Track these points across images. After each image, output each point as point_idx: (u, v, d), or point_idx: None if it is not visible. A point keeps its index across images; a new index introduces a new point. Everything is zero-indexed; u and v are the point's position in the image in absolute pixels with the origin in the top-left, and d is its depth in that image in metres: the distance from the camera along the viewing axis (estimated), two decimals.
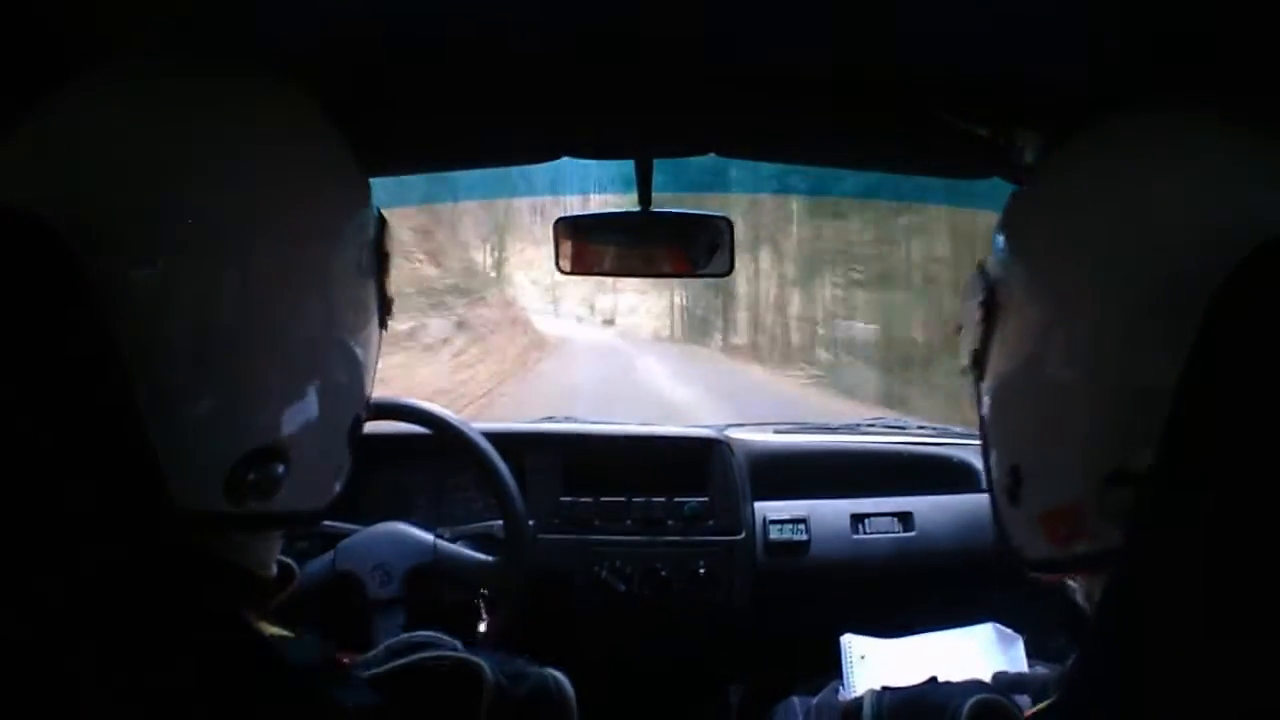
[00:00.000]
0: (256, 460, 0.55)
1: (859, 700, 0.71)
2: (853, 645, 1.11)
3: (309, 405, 0.58)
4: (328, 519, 1.19)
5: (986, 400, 0.63)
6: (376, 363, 0.67)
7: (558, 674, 0.80)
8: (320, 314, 0.58)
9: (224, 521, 0.56)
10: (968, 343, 0.64)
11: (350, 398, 0.63)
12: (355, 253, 0.61)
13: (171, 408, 0.52)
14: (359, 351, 0.63)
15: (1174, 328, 0.47)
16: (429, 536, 1.24)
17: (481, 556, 1.25)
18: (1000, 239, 0.63)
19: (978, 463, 1.59)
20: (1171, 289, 0.49)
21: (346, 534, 1.24)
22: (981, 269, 0.64)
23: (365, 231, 0.63)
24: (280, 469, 0.56)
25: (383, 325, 0.67)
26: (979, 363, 0.63)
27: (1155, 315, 0.50)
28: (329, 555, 1.21)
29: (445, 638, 0.69)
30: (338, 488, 0.64)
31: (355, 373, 0.63)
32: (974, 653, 1.07)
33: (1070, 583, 0.64)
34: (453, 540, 1.30)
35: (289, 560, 0.67)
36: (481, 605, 1.26)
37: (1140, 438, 0.48)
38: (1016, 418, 0.60)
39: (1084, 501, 0.53)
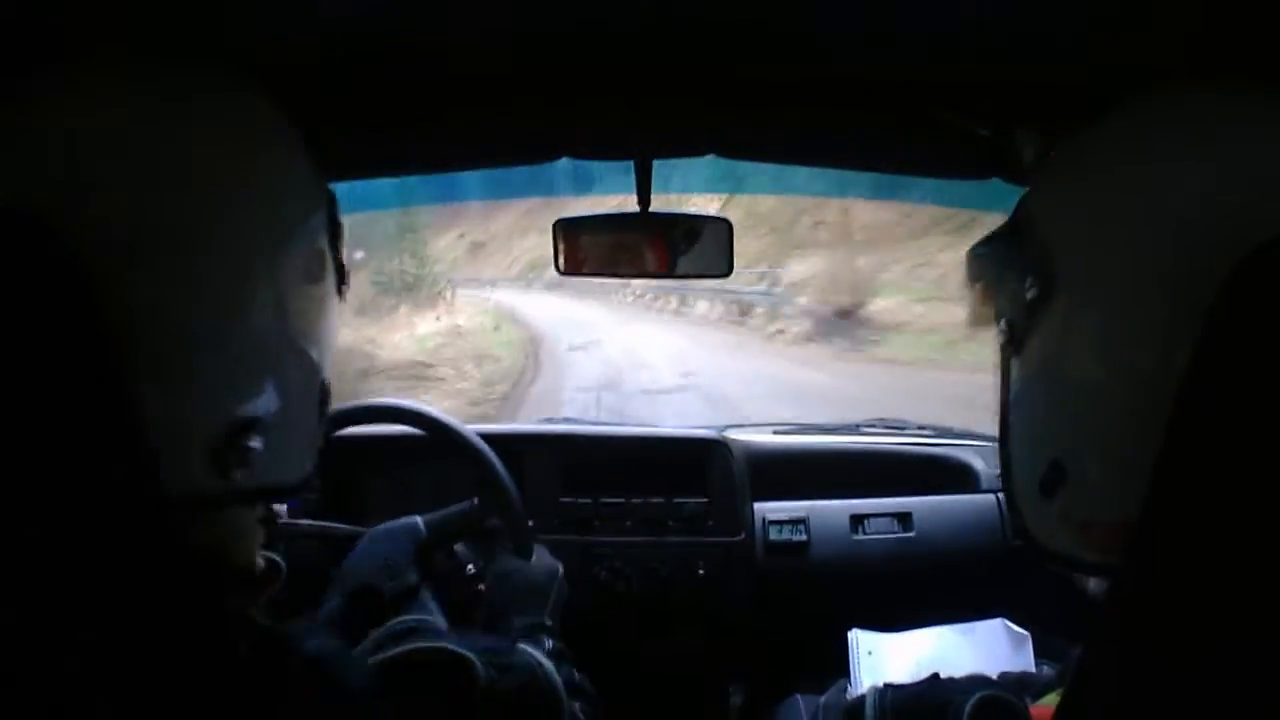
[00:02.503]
0: (234, 434, 0.56)
1: (861, 698, 0.71)
2: (860, 640, 1.11)
3: (274, 386, 0.59)
4: (329, 520, 1.19)
5: (1025, 381, 0.58)
6: (334, 335, 0.68)
7: (542, 659, 0.80)
8: (277, 302, 0.59)
9: (211, 502, 0.57)
10: (1005, 312, 0.59)
11: (314, 373, 0.64)
12: (310, 243, 0.62)
13: (145, 397, 0.52)
14: (319, 328, 0.64)
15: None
16: (413, 518, 1.24)
17: (462, 505, 1.24)
18: (1063, 207, 0.56)
19: (976, 463, 1.59)
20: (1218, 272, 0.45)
21: (347, 535, 1.24)
22: (1029, 227, 0.58)
23: (320, 223, 0.64)
24: (257, 441, 0.57)
25: (340, 293, 0.68)
26: (1019, 340, 0.57)
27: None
28: (333, 590, 1.21)
29: (431, 622, 0.69)
30: (311, 460, 0.65)
31: (317, 348, 0.64)
32: (982, 649, 1.07)
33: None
34: (448, 538, 1.30)
35: (275, 557, 0.67)
36: (474, 577, 1.26)
37: None
38: (1069, 412, 0.55)
39: (1130, 519, 0.48)
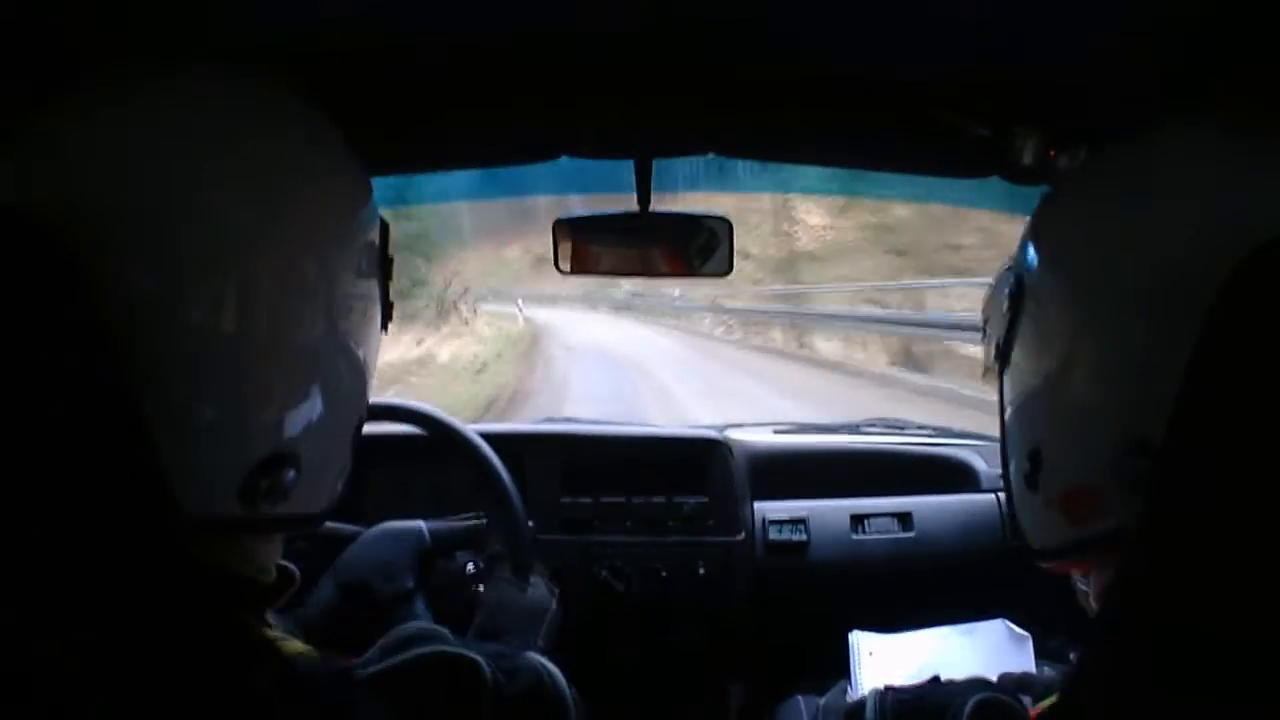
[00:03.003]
0: (270, 467, 0.55)
1: (862, 701, 0.71)
2: (861, 642, 1.11)
3: (315, 411, 0.58)
4: (330, 520, 1.18)
5: (1010, 389, 0.65)
6: (375, 365, 0.67)
7: (550, 665, 0.80)
8: (324, 318, 0.58)
9: (237, 526, 0.56)
10: (994, 335, 0.66)
11: (354, 400, 0.63)
12: (357, 254, 0.61)
13: (182, 415, 0.52)
14: (362, 354, 0.63)
15: (1197, 320, 0.48)
16: (417, 523, 1.24)
17: (470, 521, 1.24)
18: (1030, 237, 0.64)
19: (977, 463, 1.59)
20: (1195, 286, 0.49)
21: (346, 535, 1.24)
22: (1010, 266, 0.65)
23: (367, 233, 0.63)
24: (292, 474, 0.56)
25: (383, 328, 0.67)
26: (1004, 354, 0.65)
27: (1179, 311, 0.50)
28: (328, 579, 1.21)
29: (439, 629, 0.69)
30: (340, 488, 0.65)
31: (359, 376, 0.63)
32: (983, 650, 1.07)
33: (1078, 584, 0.64)
34: (449, 544, 1.30)
35: (287, 564, 0.67)
36: (471, 578, 1.26)
37: (1159, 413, 0.49)
38: (1039, 402, 0.61)
39: (1104, 476, 0.54)
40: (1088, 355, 0.56)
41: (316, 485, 0.60)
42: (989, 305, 0.68)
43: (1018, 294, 0.62)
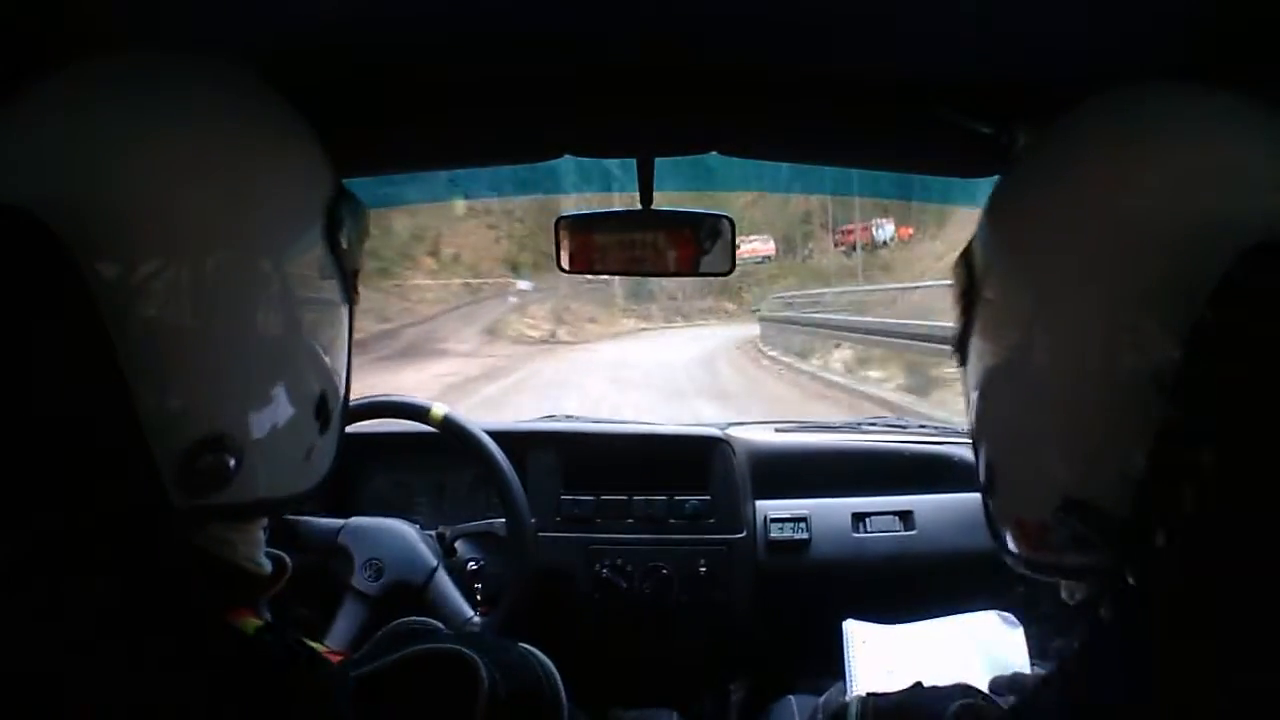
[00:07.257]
0: (203, 450, 0.53)
1: (845, 705, 0.71)
2: (854, 632, 1.11)
3: (256, 394, 0.56)
4: (321, 509, 1.18)
5: (969, 388, 0.63)
6: (349, 335, 0.65)
7: (547, 662, 0.80)
8: (278, 308, 0.57)
9: (194, 515, 0.54)
10: (953, 330, 0.65)
11: (308, 381, 0.60)
12: (316, 248, 0.60)
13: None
14: (319, 334, 0.61)
15: (1148, 325, 0.48)
16: (433, 561, 1.25)
17: (466, 612, 1.23)
18: (984, 225, 0.62)
19: None
20: (1149, 282, 0.49)
21: (328, 529, 1.25)
22: (964, 257, 0.63)
23: (321, 227, 0.61)
24: (230, 459, 0.54)
25: (349, 300, 0.65)
26: (961, 349, 0.63)
27: (1133, 308, 0.49)
28: (337, 524, 1.22)
29: (435, 624, 0.69)
30: (321, 469, 0.62)
31: (313, 356, 0.61)
32: (975, 640, 1.07)
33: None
34: (454, 539, 1.31)
35: (282, 554, 0.66)
36: (478, 598, 1.26)
37: (1097, 477, 0.50)
38: (994, 410, 0.60)
39: (1044, 520, 0.54)
40: (1039, 367, 0.54)
41: (270, 466, 0.58)
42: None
43: (971, 289, 0.60)
